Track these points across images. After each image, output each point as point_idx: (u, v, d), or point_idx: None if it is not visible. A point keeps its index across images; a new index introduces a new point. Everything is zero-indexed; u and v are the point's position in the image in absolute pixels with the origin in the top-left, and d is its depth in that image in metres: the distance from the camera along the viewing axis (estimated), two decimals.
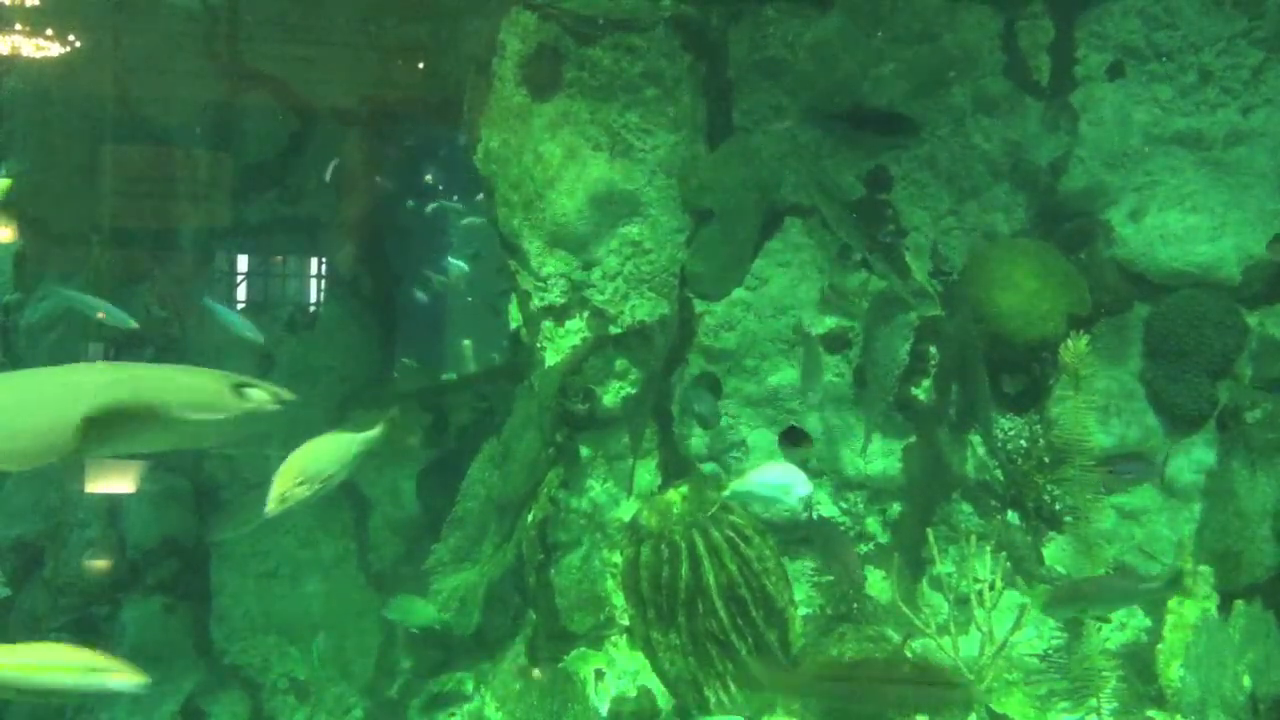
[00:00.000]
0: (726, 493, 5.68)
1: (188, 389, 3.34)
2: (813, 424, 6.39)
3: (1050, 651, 5.81)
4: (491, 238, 6.88)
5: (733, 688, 5.62)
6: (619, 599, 6.24)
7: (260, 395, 3.28)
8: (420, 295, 9.58)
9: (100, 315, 6.79)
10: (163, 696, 7.09)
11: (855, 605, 5.93)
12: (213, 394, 3.20)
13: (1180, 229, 6.18)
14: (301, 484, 4.51)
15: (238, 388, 3.30)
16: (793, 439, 5.43)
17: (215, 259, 8.09)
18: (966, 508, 6.25)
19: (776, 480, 5.51)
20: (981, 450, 6.22)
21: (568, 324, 6.31)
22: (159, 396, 3.22)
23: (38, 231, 7.78)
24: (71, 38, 7.22)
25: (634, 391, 6.32)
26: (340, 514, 7.55)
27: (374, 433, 4.88)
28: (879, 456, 6.39)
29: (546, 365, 6.28)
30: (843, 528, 6.32)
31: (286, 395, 3.41)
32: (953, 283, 6.37)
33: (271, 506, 4.31)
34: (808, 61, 6.28)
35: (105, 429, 3.09)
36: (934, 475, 6.31)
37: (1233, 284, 6.16)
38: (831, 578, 5.96)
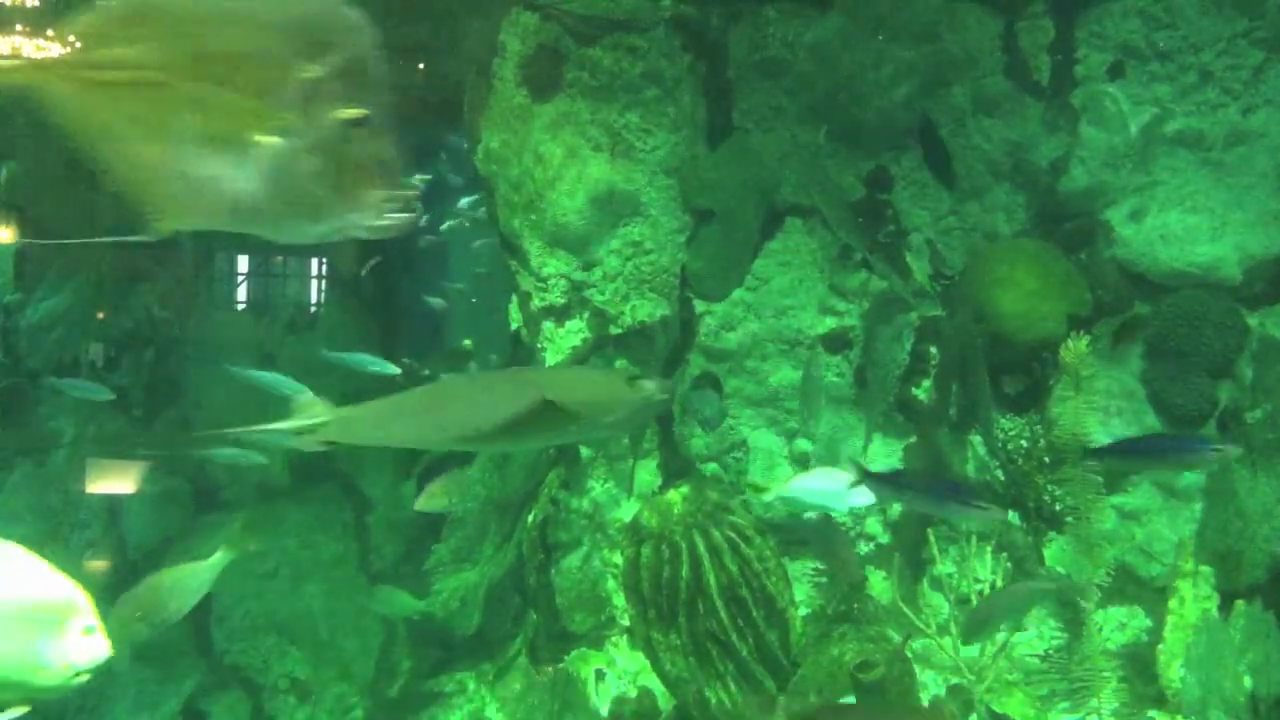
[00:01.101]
0: (769, 496, 5.58)
1: (600, 387, 3.57)
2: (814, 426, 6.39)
3: (1050, 651, 5.81)
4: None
5: (733, 688, 5.62)
6: (619, 599, 6.24)
7: (651, 388, 3.37)
8: (432, 300, 9.58)
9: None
10: (163, 696, 7.10)
11: (856, 605, 5.93)
12: (617, 390, 3.37)
13: (1180, 229, 6.17)
14: (140, 619, 4.58)
15: (632, 381, 3.44)
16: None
17: (215, 259, 8.09)
18: None
19: (828, 487, 5.41)
20: (982, 450, 6.22)
21: (568, 324, 6.31)
22: (583, 395, 3.43)
23: (38, 232, 7.79)
24: (72, 38, 7.22)
25: None
26: (340, 514, 7.56)
27: (217, 559, 5.00)
28: (879, 457, 6.39)
29: (547, 365, 6.28)
30: (843, 528, 6.31)
31: (672, 387, 3.58)
32: (953, 283, 6.37)
33: (110, 649, 4.33)
34: (808, 61, 6.28)
35: (543, 423, 3.29)
36: (934, 475, 6.31)
37: (1233, 284, 6.16)
38: (830, 576, 5.95)
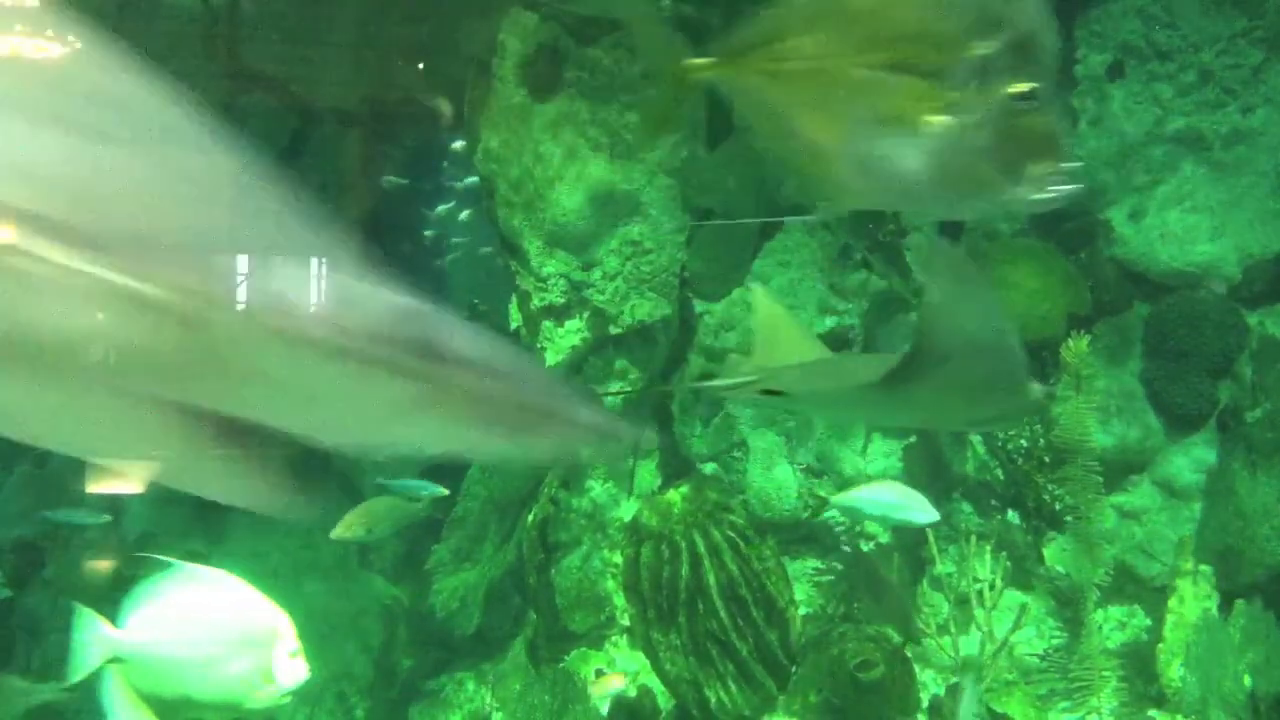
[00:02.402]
0: (832, 501, 5.53)
1: None
2: (814, 424, 6.39)
3: (1050, 651, 5.81)
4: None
5: (733, 688, 5.62)
6: (619, 599, 6.24)
7: (1039, 390, 3.45)
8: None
9: None
10: None
11: (855, 605, 5.93)
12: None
13: (1180, 229, 6.18)
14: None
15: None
16: None
17: None
18: (967, 507, 6.25)
19: (891, 500, 5.35)
20: (982, 450, 6.21)
21: (568, 324, 6.31)
22: None
23: None
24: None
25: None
26: (340, 514, 7.55)
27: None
28: (879, 456, 6.39)
29: (547, 365, 6.28)
30: (842, 528, 6.31)
31: (1054, 391, 3.63)
32: None
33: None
34: None
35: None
36: (934, 475, 6.31)
37: (1232, 284, 6.16)
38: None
